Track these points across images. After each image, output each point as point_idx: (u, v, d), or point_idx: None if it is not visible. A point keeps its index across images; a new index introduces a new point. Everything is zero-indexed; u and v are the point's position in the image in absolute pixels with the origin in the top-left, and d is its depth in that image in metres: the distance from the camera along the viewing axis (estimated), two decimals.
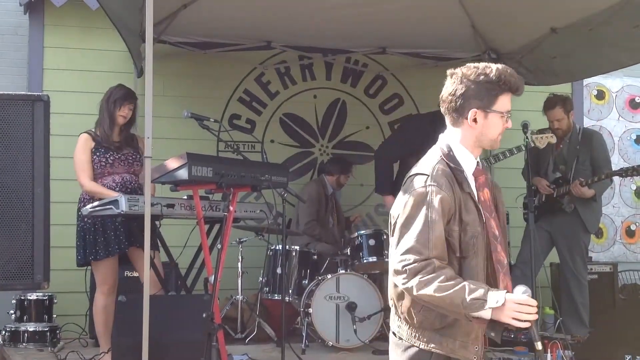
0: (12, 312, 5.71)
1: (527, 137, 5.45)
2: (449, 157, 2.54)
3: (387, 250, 5.90)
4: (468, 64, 2.58)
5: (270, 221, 5.05)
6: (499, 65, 2.55)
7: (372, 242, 5.92)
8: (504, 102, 2.54)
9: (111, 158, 4.82)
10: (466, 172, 2.55)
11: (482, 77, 2.51)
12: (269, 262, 6.00)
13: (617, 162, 7.46)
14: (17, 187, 3.67)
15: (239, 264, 5.98)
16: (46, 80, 6.45)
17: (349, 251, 6.00)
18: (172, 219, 4.78)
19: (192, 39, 6.58)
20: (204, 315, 4.05)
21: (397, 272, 2.42)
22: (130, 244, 4.73)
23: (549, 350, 5.13)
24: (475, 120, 2.53)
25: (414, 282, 2.37)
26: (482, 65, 2.55)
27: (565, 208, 5.80)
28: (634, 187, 8.01)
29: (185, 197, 4.64)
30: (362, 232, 6.06)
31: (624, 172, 5.61)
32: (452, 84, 2.58)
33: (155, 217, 4.40)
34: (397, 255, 2.43)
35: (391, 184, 5.51)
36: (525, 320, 2.34)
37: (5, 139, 3.68)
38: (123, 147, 4.90)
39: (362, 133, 7.29)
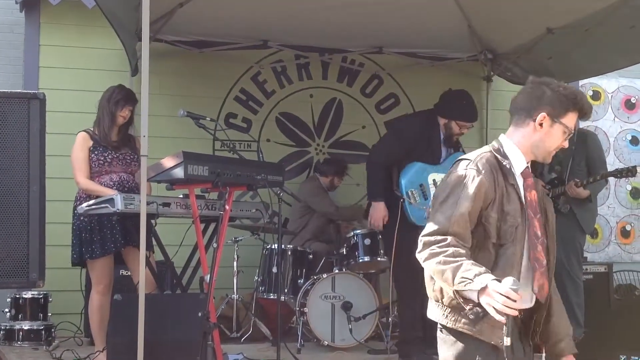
0: (7, 310, 5.70)
1: None
2: (498, 151, 2.66)
3: (383, 250, 5.92)
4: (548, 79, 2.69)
5: (266, 220, 5.05)
6: (578, 89, 2.70)
7: (367, 241, 5.92)
8: (571, 118, 2.64)
9: (109, 157, 4.82)
10: (514, 168, 2.65)
11: (561, 89, 2.63)
12: (265, 262, 6.00)
13: (612, 163, 7.48)
14: (12, 185, 3.66)
15: (235, 263, 5.97)
16: (42, 79, 6.44)
17: (344, 250, 6.00)
18: (167, 217, 4.77)
19: (188, 38, 6.58)
20: (200, 314, 4.05)
21: (419, 241, 2.55)
22: (127, 243, 4.73)
23: (544, 350, 5.13)
24: (541, 124, 2.62)
25: (425, 253, 2.50)
26: (563, 83, 2.68)
27: (560, 209, 5.80)
28: (629, 188, 8.03)
29: (181, 196, 4.63)
30: (358, 231, 6.07)
31: (619, 173, 5.61)
32: (530, 87, 2.68)
33: (150, 216, 4.39)
34: (425, 229, 2.56)
35: (383, 190, 5.23)
36: (501, 312, 2.31)
37: (1, 137, 3.66)
38: (121, 146, 4.90)
39: (358, 133, 7.29)
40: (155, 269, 4.76)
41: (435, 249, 2.47)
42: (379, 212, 5.17)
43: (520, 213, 2.59)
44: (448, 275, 2.42)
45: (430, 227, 2.54)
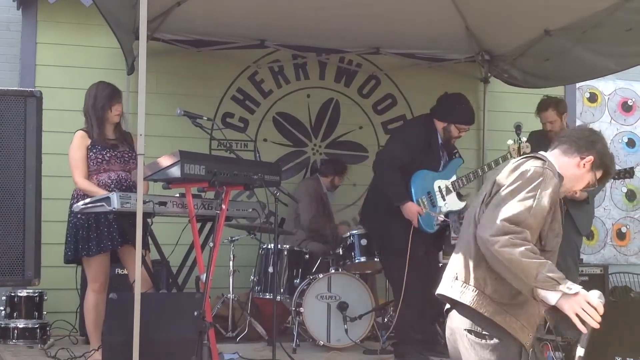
0: (2, 308, 5.69)
1: (519, 139, 5.46)
2: (551, 166, 2.72)
3: (377, 250, 5.91)
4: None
5: (262, 220, 5.04)
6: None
7: (363, 241, 5.92)
8: (599, 176, 2.83)
9: (107, 155, 4.81)
10: None
11: (608, 150, 2.84)
12: (261, 261, 6.00)
13: None
14: (8, 183, 3.65)
15: (231, 263, 5.97)
16: (38, 76, 6.44)
17: (340, 251, 6.00)
18: (164, 216, 4.76)
19: (186, 37, 6.58)
20: (195, 313, 4.04)
21: (487, 226, 2.53)
22: (124, 242, 4.72)
23: (550, 349, 5.14)
24: (584, 165, 2.77)
25: (503, 239, 2.47)
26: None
27: None
28: (624, 190, 8.04)
29: (178, 195, 4.62)
30: (354, 231, 6.07)
31: (617, 175, 5.63)
32: (588, 131, 2.85)
33: (147, 215, 4.38)
34: (497, 214, 2.53)
35: (405, 189, 5.10)
36: (585, 323, 2.40)
37: None
38: (119, 144, 4.89)
39: (355, 133, 7.30)
40: (152, 268, 4.75)
41: (514, 239, 2.47)
42: (412, 211, 5.06)
43: (560, 220, 2.72)
44: (531, 270, 2.44)
45: (508, 212, 2.53)
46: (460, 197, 5.35)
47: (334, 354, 5.51)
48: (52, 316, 5.90)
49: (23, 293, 5.68)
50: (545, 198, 2.57)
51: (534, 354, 2.69)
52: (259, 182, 4.63)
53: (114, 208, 4.29)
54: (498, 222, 2.52)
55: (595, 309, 2.40)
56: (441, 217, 5.14)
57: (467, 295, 2.64)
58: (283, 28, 6.47)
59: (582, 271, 6.36)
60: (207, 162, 4.40)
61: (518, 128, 5.55)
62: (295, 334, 5.59)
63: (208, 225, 4.81)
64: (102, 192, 4.60)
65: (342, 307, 5.61)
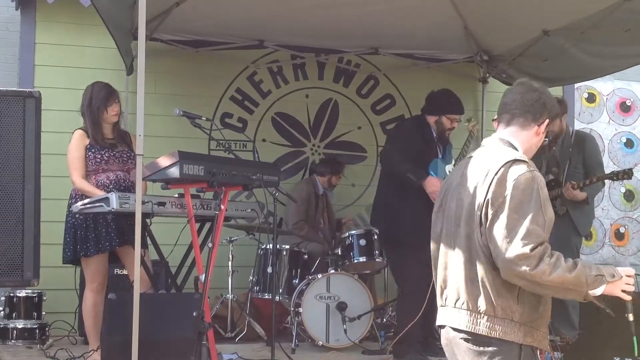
0: (1, 309, 5.69)
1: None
2: (531, 162, 2.63)
3: (378, 250, 5.92)
4: (522, 80, 2.81)
5: (261, 220, 5.05)
6: None
7: (362, 242, 5.93)
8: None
9: (106, 155, 4.80)
10: None
11: (553, 99, 2.76)
12: (260, 261, 6.00)
13: (607, 165, 7.48)
14: (7, 183, 3.64)
15: (230, 263, 5.97)
16: (37, 77, 6.44)
17: (339, 251, 6.01)
18: (162, 217, 4.76)
19: (185, 37, 6.58)
20: (194, 313, 4.04)
21: (520, 258, 2.41)
22: (123, 242, 4.72)
23: (538, 351, 5.14)
24: (542, 129, 2.71)
25: (543, 266, 2.41)
26: (536, 83, 2.79)
27: (557, 211, 5.81)
28: (623, 190, 8.05)
29: (177, 196, 4.63)
30: (353, 232, 6.07)
31: (616, 176, 5.62)
32: (531, 91, 2.72)
33: (146, 215, 4.38)
34: (517, 244, 2.42)
35: (418, 167, 5.19)
36: (629, 292, 2.52)
37: None
38: (118, 144, 4.88)
39: (354, 133, 7.30)
40: (150, 268, 4.75)
41: (550, 259, 2.44)
42: (434, 184, 5.06)
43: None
44: (580, 279, 2.46)
45: (528, 237, 2.43)
46: None
47: (332, 354, 5.51)
48: (51, 316, 5.90)
49: (22, 293, 5.68)
50: (548, 205, 2.51)
51: (533, 353, 2.66)
52: (258, 183, 4.63)
53: (113, 208, 4.29)
54: (528, 251, 2.41)
55: (633, 276, 2.52)
56: None
57: (496, 329, 2.53)
58: (282, 28, 6.47)
59: None
60: (205, 163, 4.40)
61: None
62: (294, 334, 5.59)
63: (207, 226, 4.82)
64: (99, 193, 4.60)
65: (341, 307, 5.61)
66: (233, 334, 5.80)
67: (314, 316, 5.61)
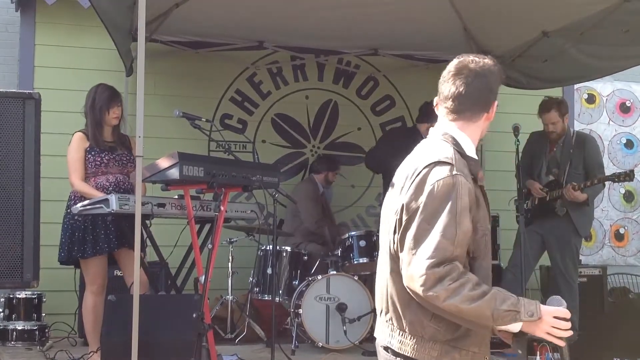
0: (0, 310, 5.69)
1: (517, 140, 5.47)
2: (459, 147, 2.33)
3: (378, 251, 5.91)
4: (468, 58, 2.41)
5: (261, 221, 5.05)
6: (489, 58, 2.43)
7: (362, 243, 5.93)
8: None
9: (106, 158, 4.81)
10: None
11: (496, 67, 2.39)
12: (260, 263, 6.00)
13: (606, 166, 7.46)
14: (7, 185, 3.65)
15: (229, 264, 5.96)
16: (37, 78, 6.43)
17: (339, 252, 6.01)
18: (162, 218, 4.76)
19: (184, 38, 6.58)
20: (194, 315, 4.05)
21: (415, 277, 2.14)
22: (121, 245, 4.72)
23: (537, 352, 5.15)
24: (492, 114, 2.40)
25: (440, 289, 2.10)
26: (482, 56, 2.43)
27: (557, 211, 5.81)
28: (622, 191, 8.05)
29: (176, 197, 4.63)
30: (353, 233, 6.07)
31: (617, 178, 5.63)
32: (478, 77, 2.35)
33: (145, 217, 4.39)
34: (418, 258, 2.14)
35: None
36: (559, 338, 2.16)
37: None
38: (117, 147, 4.89)
39: (353, 134, 7.30)
40: (148, 270, 4.75)
41: (452, 283, 2.10)
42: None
43: (488, 218, 2.31)
44: (484, 311, 2.10)
45: (431, 252, 2.12)
46: None
47: (332, 355, 5.51)
48: (50, 318, 5.89)
49: (22, 295, 5.68)
50: (465, 218, 2.16)
51: None
52: (258, 184, 4.63)
53: (113, 210, 4.30)
54: (425, 270, 2.10)
55: (565, 318, 2.13)
56: None
57: (406, 346, 2.26)
58: (281, 29, 6.47)
59: (580, 272, 6.36)
60: (205, 164, 4.40)
61: (516, 129, 5.56)
62: (294, 335, 5.59)
63: (207, 227, 4.82)
64: (98, 194, 4.60)
65: (341, 308, 5.61)
66: (233, 335, 5.80)
67: (314, 317, 5.61)
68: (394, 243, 2.28)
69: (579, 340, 5.55)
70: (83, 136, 4.83)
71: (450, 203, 2.16)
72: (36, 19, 6.49)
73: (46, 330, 5.71)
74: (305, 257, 6.08)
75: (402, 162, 2.44)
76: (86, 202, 4.46)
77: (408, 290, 2.19)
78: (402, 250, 2.22)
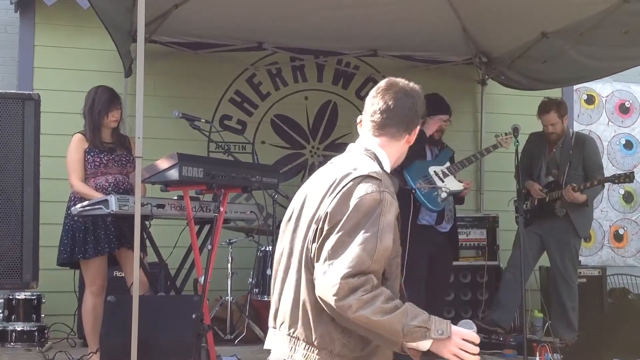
0: (0, 311, 5.68)
1: (517, 141, 5.47)
2: (381, 165, 2.36)
3: None
4: (398, 79, 2.53)
5: (260, 222, 5.05)
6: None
7: None
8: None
9: (105, 158, 4.81)
10: None
11: (422, 95, 2.48)
12: (259, 263, 5.99)
13: (605, 167, 7.48)
14: (6, 186, 3.64)
15: (229, 265, 5.96)
16: (36, 79, 6.43)
17: None
18: (162, 219, 4.76)
19: (184, 39, 6.58)
20: (194, 316, 4.05)
21: (329, 286, 2.10)
22: (121, 245, 4.72)
23: (537, 353, 5.15)
24: (413, 137, 2.44)
25: (352, 299, 2.07)
26: (411, 83, 2.52)
27: (557, 212, 5.82)
28: (622, 192, 8.05)
29: (176, 198, 4.63)
30: None
31: (617, 179, 5.63)
32: (406, 97, 2.45)
33: (145, 217, 4.39)
34: (335, 268, 2.11)
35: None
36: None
37: None
38: (116, 148, 4.89)
39: (353, 135, 7.26)
40: (148, 270, 4.75)
41: (365, 295, 2.07)
42: None
43: (399, 240, 2.29)
44: (395, 326, 2.07)
45: (348, 263, 2.08)
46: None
47: None
48: (50, 319, 5.89)
49: (21, 296, 5.67)
50: (388, 235, 2.14)
51: None
52: (257, 185, 4.64)
53: (112, 211, 4.30)
54: (339, 280, 2.07)
55: (473, 342, 2.12)
56: (446, 190, 5.19)
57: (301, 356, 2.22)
58: (281, 30, 6.47)
59: (580, 273, 6.37)
60: (205, 165, 4.40)
61: (515, 130, 5.56)
62: None
63: (206, 228, 4.82)
64: (98, 195, 4.60)
65: None
66: (232, 336, 5.80)
67: None
68: (311, 252, 2.23)
69: (579, 340, 5.56)
70: (82, 137, 4.83)
71: (373, 218, 2.15)
72: (35, 20, 6.49)
73: (45, 331, 5.71)
74: None
75: (317, 172, 2.47)
76: (85, 203, 4.47)
77: (320, 300, 2.16)
78: (316, 259, 2.19)
